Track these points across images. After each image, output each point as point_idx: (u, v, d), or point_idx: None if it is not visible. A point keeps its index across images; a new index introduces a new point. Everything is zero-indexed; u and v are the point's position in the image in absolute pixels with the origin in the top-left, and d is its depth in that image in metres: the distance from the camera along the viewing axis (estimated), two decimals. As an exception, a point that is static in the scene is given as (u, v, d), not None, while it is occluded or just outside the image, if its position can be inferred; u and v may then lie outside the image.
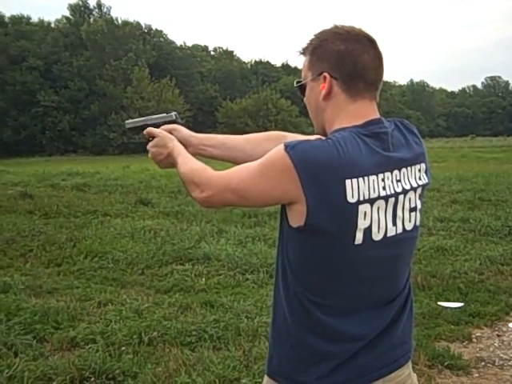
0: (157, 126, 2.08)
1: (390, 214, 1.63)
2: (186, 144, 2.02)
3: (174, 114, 2.14)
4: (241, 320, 5.38)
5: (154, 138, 2.04)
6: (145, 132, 2.07)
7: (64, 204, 12.83)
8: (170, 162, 1.98)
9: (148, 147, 2.04)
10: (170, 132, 2.04)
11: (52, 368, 4.30)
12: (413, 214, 1.70)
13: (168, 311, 5.67)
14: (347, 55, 1.65)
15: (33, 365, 4.37)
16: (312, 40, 1.73)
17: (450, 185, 16.34)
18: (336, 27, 1.71)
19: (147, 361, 4.53)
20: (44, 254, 8.35)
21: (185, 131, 2.09)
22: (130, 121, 2.20)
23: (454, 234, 9.57)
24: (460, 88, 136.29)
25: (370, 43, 1.68)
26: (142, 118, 2.17)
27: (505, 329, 5.54)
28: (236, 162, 1.91)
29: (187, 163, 1.85)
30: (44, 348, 4.83)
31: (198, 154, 2.04)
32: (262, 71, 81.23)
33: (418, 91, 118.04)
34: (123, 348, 4.72)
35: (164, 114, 2.14)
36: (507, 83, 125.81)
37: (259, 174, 1.59)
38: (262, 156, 1.63)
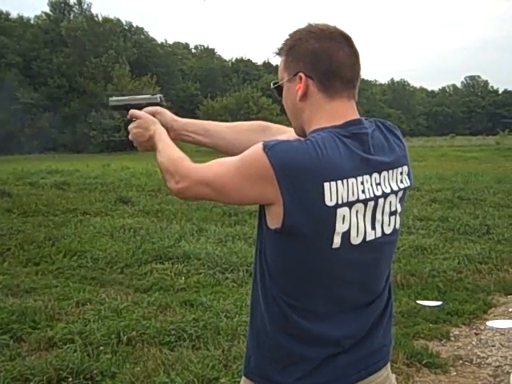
0: (140, 107, 2.05)
1: (369, 218, 1.61)
2: (167, 128, 1.98)
3: (159, 96, 2.10)
4: (220, 319, 5.37)
5: (136, 119, 2.01)
6: (129, 115, 2.03)
7: (43, 202, 12.72)
8: (150, 144, 1.95)
9: (129, 128, 2.01)
10: (153, 115, 2.01)
11: (29, 368, 4.26)
12: (392, 217, 1.68)
13: (147, 310, 5.65)
14: (322, 53, 1.62)
15: (10, 365, 4.34)
16: (287, 40, 1.70)
17: (430, 184, 16.44)
18: (310, 26, 1.68)
19: (126, 360, 4.51)
20: (22, 252, 8.27)
21: (168, 115, 2.06)
22: (114, 98, 2.16)
23: (433, 233, 9.64)
24: (440, 87, 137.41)
25: (345, 40, 1.66)
26: (126, 97, 2.13)
27: (482, 327, 5.58)
28: (217, 150, 1.89)
29: (166, 150, 1.82)
30: (21, 348, 4.79)
31: (179, 139, 2.01)
32: (243, 69, 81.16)
33: (398, 90, 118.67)
34: (101, 348, 4.69)
35: (149, 96, 2.11)
36: (486, 83, 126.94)
37: (236, 172, 1.57)
38: (244, 146, 1.61)
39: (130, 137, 2.02)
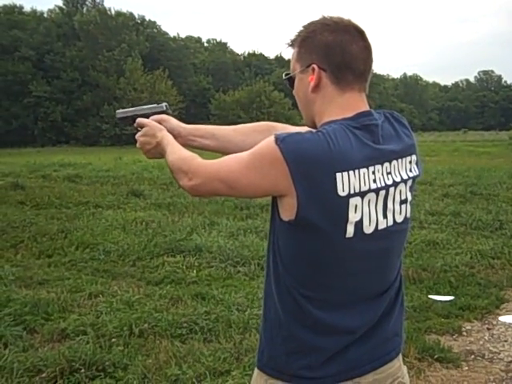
0: (147, 116, 2.07)
1: (381, 207, 1.62)
2: (175, 135, 2.00)
3: (164, 104, 2.13)
4: (232, 312, 5.38)
5: (143, 127, 2.03)
6: (135, 124, 2.06)
7: (55, 195, 12.80)
8: (158, 151, 1.97)
9: (137, 136, 2.03)
10: (160, 122, 2.03)
11: (42, 359, 4.28)
12: (403, 206, 1.69)
13: (159, 303, 5.66)
14: (336, 46, 1.64)
15: (23, 356, 4.36)
16: (300, 32, 1.71)
17: (442, 178, 16.40)
18: (324, 18, 1.69)
19: (138, 352, 4.52)
20: (35, 245, 8.33)
21: (174, 122, 2.08)
22: (121, 111, 2.19)
23: (446, 228, 9.60)
24: (453, 82, 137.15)
25: (359, 34, 1.67)
26: (133, 109, 2.16)
27: (495, 322, 5.56)
28: (225, 153, 1.90)
29: (176, 152, 1.84)
30: (34, 339, 4.82)
31: (187, 144, 2.02)
32: (256, 63, 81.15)
33: (410, 85, 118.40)
34: (114, 340, 4.71)
35: (154, 105, 2.13)
36: (500, 77, 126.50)
37: (249, 165, 1.58)
38: (252, 147, 1.61)
39: (137, 145, 2.04)
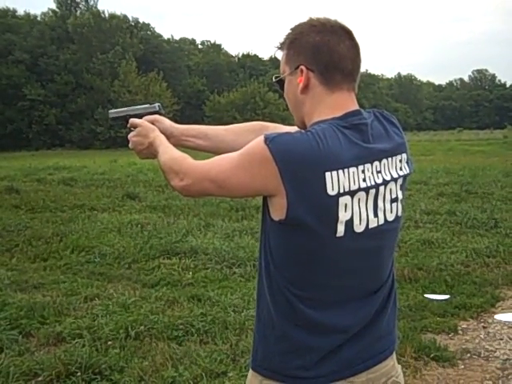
0: (139, 116, 2.08)
1: (371, 206, 1.62)
2: (167, 135, 2.01)
3: (157, 104, 2.14)
4: (228, 314, 5.38)
5: (135, 127, 2.04)
6: (128, 124, 2.07)
7: (50, 198, 12.80)
8: (150, 152, 1.98)
9: (129, 137, 2.04)
10: (152, 122, 2.04)
11: (38, 363, 4.29)
12: (394, 204, 1.70)
13: (155, 305, 5.66)
14: (323, 46, 1.64)
15: (18, 360, 4.36)
16: (288, 34, 1.73)
17: (437, 178, 16.42)
18: (311, 20, 1.70)
19: (134, 355, 4.52)
20: (30, 248, 8.32)
21: (167, 122, 2.09)
22: (113, 111, 2.20)
23: (441, 227, 9.61)
24: (447, 81, 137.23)
25: (346, 34, 1.68)
26: (125, 108, 2.17)
27: (490, 320, 5.57)
28: (218, 153, 1.91)
29: (168, 152, 1.85)
30: (30, 343, 4.82)
31: (180, 144, 2.04)
32: (250, 65, 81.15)
33: (405, 84, 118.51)
34: (110, 342, 4.71)
35: (147, 105, 2.14)
36: (494, 76, 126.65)
37: (239, 166, 1.59)
38: (243, 146, 1.62)
39: (129, 145, 2.05)
